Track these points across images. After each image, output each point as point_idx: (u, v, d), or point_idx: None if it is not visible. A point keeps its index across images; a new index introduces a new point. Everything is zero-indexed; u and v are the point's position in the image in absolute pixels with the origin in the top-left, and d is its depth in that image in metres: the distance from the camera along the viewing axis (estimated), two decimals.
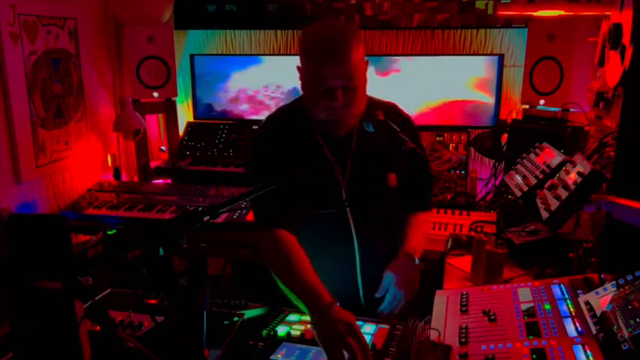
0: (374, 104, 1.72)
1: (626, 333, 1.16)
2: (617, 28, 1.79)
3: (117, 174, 3.29)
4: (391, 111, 1.76)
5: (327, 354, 1.27)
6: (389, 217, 1.75)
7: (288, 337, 1.40)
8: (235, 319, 1.43)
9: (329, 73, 1.51)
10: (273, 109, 1.83)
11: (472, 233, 2.35)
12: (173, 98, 3.57)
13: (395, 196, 1.74)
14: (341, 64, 1.50)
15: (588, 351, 1.20)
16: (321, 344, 1.30)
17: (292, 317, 1.51)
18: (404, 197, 1.79)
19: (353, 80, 1.53)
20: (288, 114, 1.74)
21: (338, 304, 1.37)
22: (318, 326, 1.32)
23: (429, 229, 2.55)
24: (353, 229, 1.67)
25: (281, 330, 1.42)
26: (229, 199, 1.36)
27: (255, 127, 3.48)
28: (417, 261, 1.67)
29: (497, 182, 2.78)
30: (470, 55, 3.32)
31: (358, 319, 1.46)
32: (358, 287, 1.72)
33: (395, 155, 1.64)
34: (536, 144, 2.03)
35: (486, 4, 3.20)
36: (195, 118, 3.68)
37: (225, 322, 1.42)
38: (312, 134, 1.66)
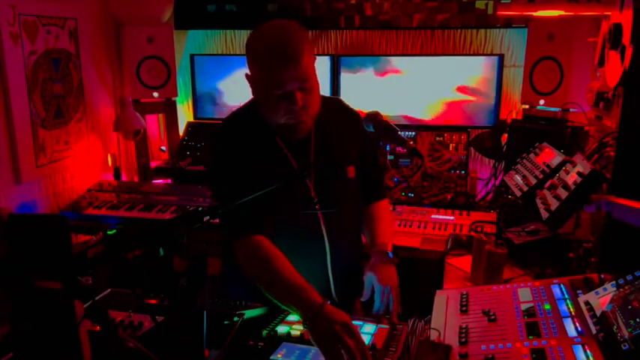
0: (327, 101, 1.74)
1: (626, 333, 1.16)
2: (617, 28, 1.79)
3: (117, 174, 3.29)
4: (337, 106, 1.79)
5: (324, 354, 1.26)
6: (350, 210, 1.77)
7: (288, 337, 1.40)
8: (235, 319, 1.43)
9: (286, 76, 1.49)
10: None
11: (472, 233, 2.35)
12: (173, 98, 3.57)
13: (355, 188, 1.76)
14: (296, 67, 1.49)
15: (588, 351, 1.20)
16: (316, 344, 1.29)
17: (292, 317, 1.51)
18: (362, 189, 1.81)
19: (309, 81, 1.53)
20: (244, 119, 1.72)
21: (329, 303, 1.36)
22: (313, 326, 1.31)
23: (429, 229, 2.56)
24: (323, 227, 1.68)
25: (281, 330, 1.42)
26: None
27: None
28: (390, 255, 1.69)
29: (497, 182, 2.78)
30: (470, 55, 3.32)
31: (358, 319, 1.46)
32: (330, 283, 1.73)
33: (350, 146, 1.71)
34: (536, 144, 2.03)
35: (486, 4, 3.20)
36: (195, 118, 3.68)
37: (225, 322, 1.42)
38: (272, 138, 1.66)
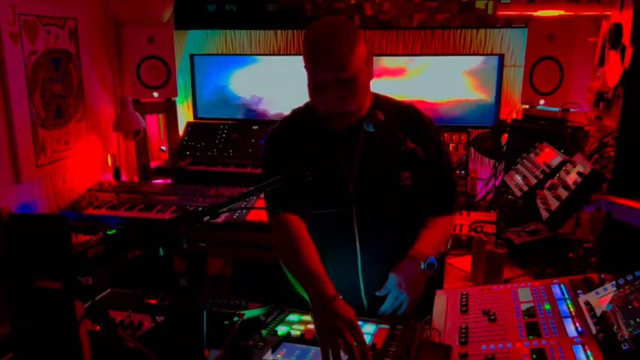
0: (385, 102, 1.71)
1: (626, 333, 1.16)
2: (617, 28, 1.79)
3: (117, 174, 3.29)
4: (404, 109, 1.73)
5: (320, 345, 1.28)
6: (395, 217, 1.72)
7: (288, 337, 1.40)
8: (235, 319, 1.43)
9: (320, 65, 1.54)
10: (276, 109, 1.86)
11: (472, 233, 2.35)
12: (173, 98, 3.57)
13: (407, 197, 1.70)
14: (331, 58, 1.52)
15: (588, 351, 1.20)
16: (317, 334, 1.31)
17: (292, 317, 1.51)
18: (421, 199, 1.73)
19: (346, 73, 1.54)
20: (300, 115, 1.77)
21: (342, 297, 1.38)
22: (318, 316, 1.34)
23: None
24: (356, 228, 1.67)
25: (281, 330, 1.42)
26: (229, 198, 1.36)
27: (254, 127, 3.48)
28: (423, 266, 1.62)
29: (497, 182, 2.78)
30: (470, 55, 3.32)
31: (358, 319, 1.46)
32: (360, 288, 1.71)
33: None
34: (536, 144, 2.03)
35: (486, 4, 3.20)
36: (195, 118, 3.68)
37: (225, 322, 1.42)
38: (320, 131, 1.68)
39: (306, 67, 1.59)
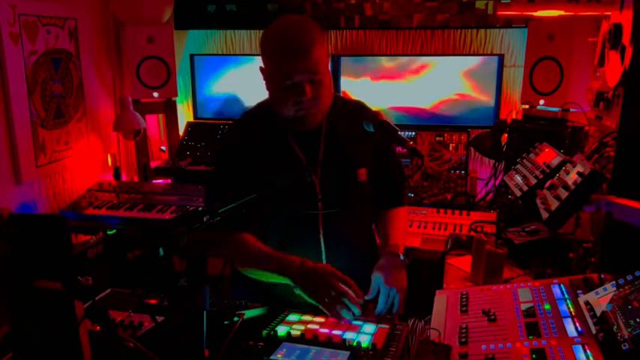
0: (341, 100, 1.76)
1: (626, 333, 1.16)
2: (617, 28, 1.79)
3: (117, 174, 3.29)
4: (355, 107, 1.77)
5: (321, 304, 1.37)
6: (355, 213, 1.76)
7: (288, 337, 1.40)
8: (235, 319, 1.43)
9: (295, 67, 1.53)
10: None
11: (472, 233, 2.35)
12: (173, 98, 3.57)
13: (364, 192, 1.74)
14: (306, 59, 1.52)
15: (588, 351, 1.20)
16: (313, 298, 1.40)
17: (292, 317, 1.51)
18: (378, 193, 1.80)
19: (318, 74, 1.55)
20: (256, 117, 1.76)
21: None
22: (302, 282, 1.43)
23: (429, 229, 2.56)
24: (321, 227, 1.68)
25: (281, 330, 1.42)
26: (229, 198, 1.36)
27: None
28: (401, 257, 1.67)
29: (497, 182, 2.78)
30: (470, 55, 3.32)
31: (358, 319, 1.46)
32: None
33: (364, 149, 1.69)
34: (536, 144, 2.03)
35: (486, 4, 3.20)
36: (195, 118, 3.68)
37: (225, 322, 1.42)
38: (282, 135, 1.68)
39: (274, 69, 1.57)
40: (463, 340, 1.34)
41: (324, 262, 1.69)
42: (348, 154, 1.71)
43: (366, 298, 1.62)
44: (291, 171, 1.64)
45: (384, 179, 1.81)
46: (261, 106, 1.76)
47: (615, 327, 1.20)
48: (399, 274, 1.65)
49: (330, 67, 1.65)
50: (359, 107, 1.78)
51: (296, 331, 1.42)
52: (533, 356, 1.22)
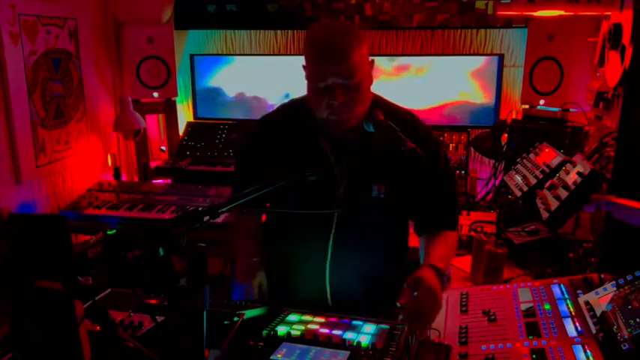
0: (382, 105, 1.67)
1: (626, 333, 1.16)
2: (617, 28, 1.79)
3: (117, 174, 3.29)
4: (403, 119, 1.67)
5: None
6: (371, 227, 1.69)
7: (288, 337, 1.40)
8: (235, 319, 1.43)
9: (329, 71, 1.51)
10: (272, 108, 1.86)
11: (472, 233, 2.35)
12: (173, 98, 3.57)
13: (381, 206, 1.66)
14: (341, 63, 1.50)
15: (588, 351, 1.20)
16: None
17: (292, 317, 1.51)
18: (425, 214, 1.70)
19: (353, 79, 1.52)
20: (289, 113, 1.75)
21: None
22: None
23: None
24: (333, 231, 1.66)
25: (281, 330, 1.42)
26: (229, 198, 1.36)
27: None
28: (446, 276, 1.52)
29: (497, 182, 2.78)
30: (470, 55, 3.32)
31: (358, 319, 1.46)
32: (326, 292, 1.70)
33: (394, 163, 1.59)
34: (536, 144, 2.03)
35: (486, 4, 3.20)
36: (195, 118, 3.68)
37: (225, 322, 1.42)
38: (315, 134, 1.66)
39: (311, 70, 1.56)
40: (463, 340, 1.34)
41: (328, 261, 1.68)
42: (370, 166, 1.65)
43: (398, 305, 1.46)
44: (317, 166, 1.60)
45: (433, 201, 1.69)
46: (301, 100, 1.73)
47: (615, 327, 1.20)
48: (437, 294, 1.39)
49: (371, 72, 1.60)
50: (408, 118, 1.70)
51: (296, 331, 1.42)
52: (533, 356, 1.22)
